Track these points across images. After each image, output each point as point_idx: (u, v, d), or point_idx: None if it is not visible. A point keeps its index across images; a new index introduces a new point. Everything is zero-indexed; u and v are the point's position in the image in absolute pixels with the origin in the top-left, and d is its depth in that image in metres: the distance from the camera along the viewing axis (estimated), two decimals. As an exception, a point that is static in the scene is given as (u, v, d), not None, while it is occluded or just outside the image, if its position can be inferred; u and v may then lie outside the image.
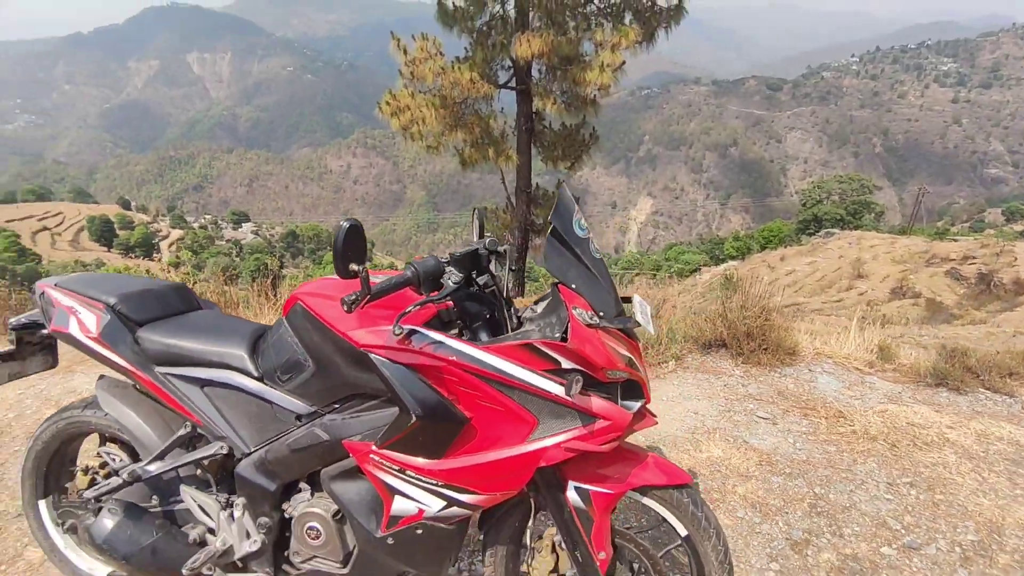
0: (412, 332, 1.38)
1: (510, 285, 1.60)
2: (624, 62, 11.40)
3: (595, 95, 11.89)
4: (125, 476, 1.68)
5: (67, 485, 2.00)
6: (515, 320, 1.53)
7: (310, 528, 1.60)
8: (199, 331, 1.73)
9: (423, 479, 1.43)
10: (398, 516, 1.49)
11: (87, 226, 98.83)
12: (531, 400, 1.37)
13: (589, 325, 1.34)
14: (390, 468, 1.44)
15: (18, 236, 71.24)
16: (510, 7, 11.88)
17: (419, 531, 1.50)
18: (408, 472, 1.43)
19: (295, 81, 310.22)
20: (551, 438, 1.37)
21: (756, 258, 40.80)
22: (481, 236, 1.87)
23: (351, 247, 1.19)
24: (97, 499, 1.81)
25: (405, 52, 11.84)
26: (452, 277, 1.37)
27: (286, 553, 1.68)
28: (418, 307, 1.35)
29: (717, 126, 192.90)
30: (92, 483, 1.90)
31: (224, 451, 1.63)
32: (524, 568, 1.65)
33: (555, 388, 1.35)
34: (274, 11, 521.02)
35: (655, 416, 1.59)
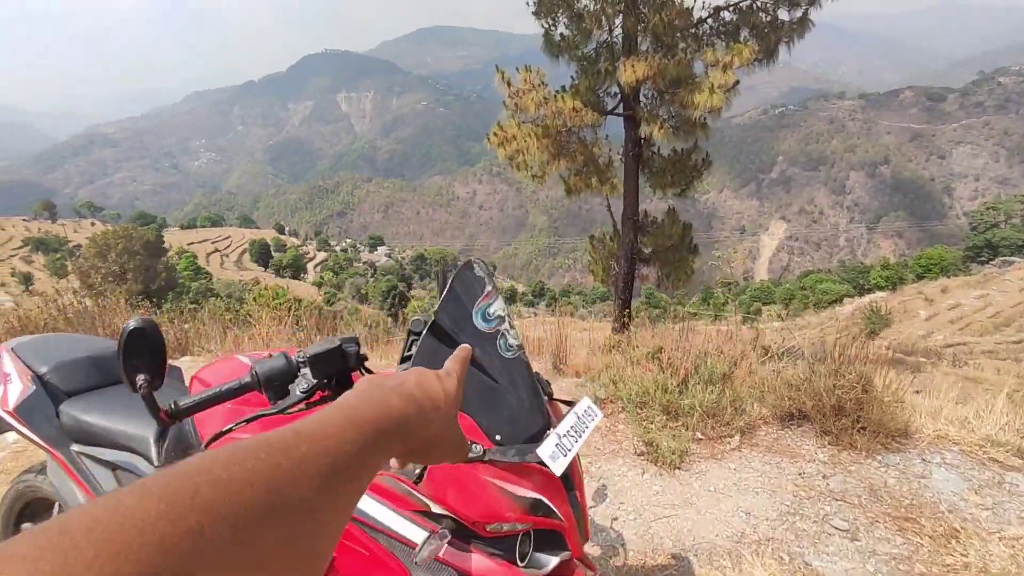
0: None
1: None
2: (737, 82, 10.65)
3: (705, 118, 11.22)
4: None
5: None
6: None
7: None
8: (120, 407, 1.63)
9: None
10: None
11: (249, 248, 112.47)
12: (399, 547, 1.06)
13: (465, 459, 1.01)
14: None
15: (195, 256, 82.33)
16: (617, 33, 11.63)
17: None
18: None
19: (428, 114, 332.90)
20: (419, 597, 1.05)
21: (910, 289, 36.13)
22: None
23: (137, 354, 0.96)
24: None
25: (509, 84, 12.00)
26: (302, 384, 1.10)
27: None
28: (246, 423, 1.10)
29: (864, 143, 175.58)
30: None
31: None
32: None
33: (418, 533, 1.04)
34: (412, 51, 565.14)
35: (592, 568, 1.19)
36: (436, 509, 1.02)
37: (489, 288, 1.18)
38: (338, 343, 1.11)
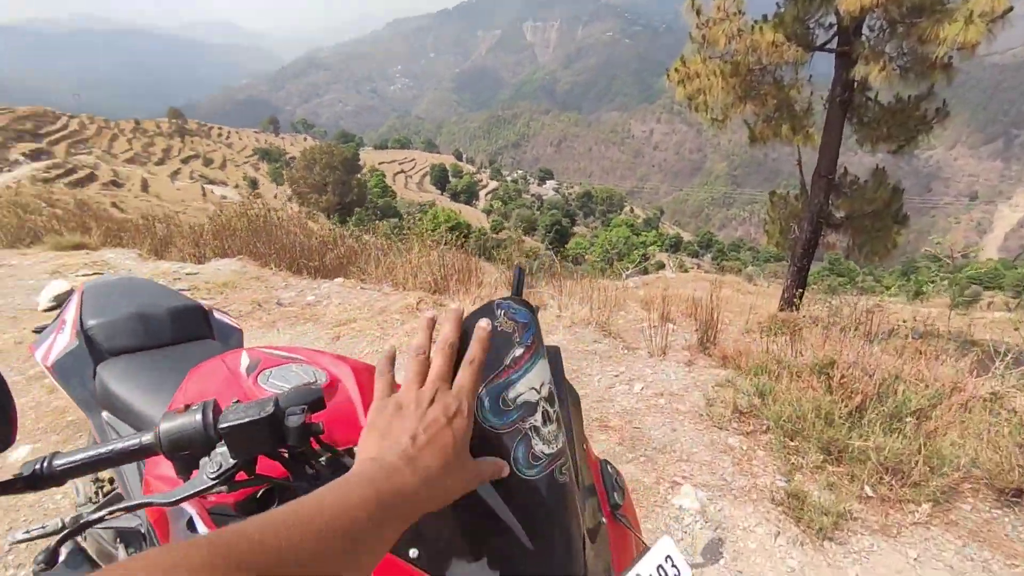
0: (190, 520, 0.83)
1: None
2: (1010, 9, 8.21)
3: (950, 57, 8.87)
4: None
5: None
6: None
7: None
8: (146, 380, 1.47)
9: None
10: None
11: (430, 172, 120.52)
12: None
13: None
14: None
15: (383, 175, 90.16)
16: (843, -52, 9.52)
17: None
18: None
19: (613, 45, 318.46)
20: None
21: None
22: (518, 293, 1.17)
23: None
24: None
25: (698, 12, 10.57)
26: (212, 464, 0.74)
27: None
28: (124, 510, 0.77)
29: None
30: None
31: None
32: None
33: None
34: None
35: None
36: None
37: (519, 351, 0.70)
38: (271, 410, 0.72)
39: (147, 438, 0.74)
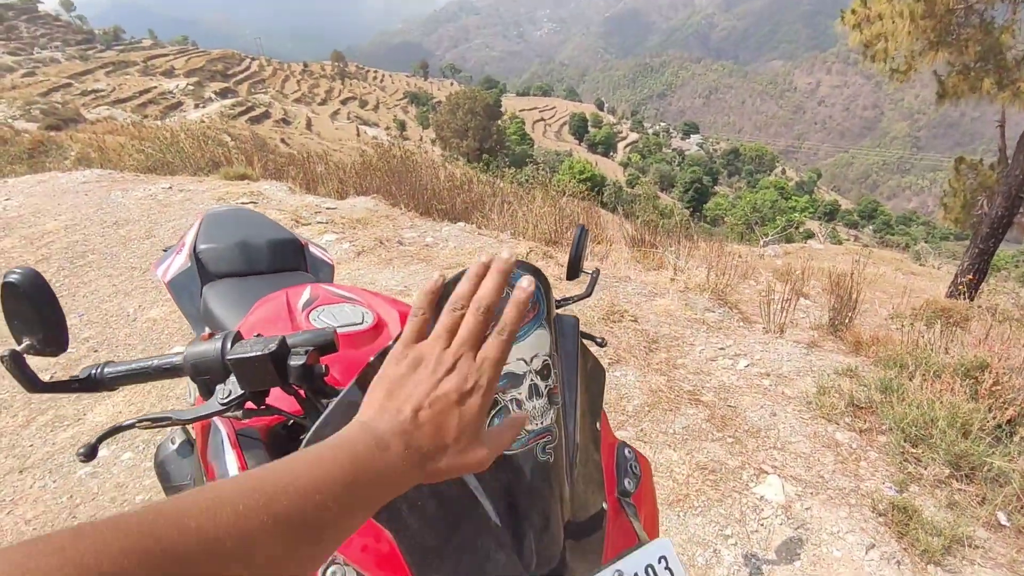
0: (221, 439, 0.90)
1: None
2: None
3: None
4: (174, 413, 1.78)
5: None
6: None
7: None
8: (241, 303, 1.61)
9: None
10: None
11: (569, 121, 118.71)
12: None
13: None
14: None
15: (523, 123, 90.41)
16: None
17: None
18: None
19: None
20: None
21: None
22: (577, 255, 1.14)
23: (19, 313, 0.74)
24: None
25: (891, -61, 9.11)
26: (224, 391, 0.79)
27: None
28: (150, 422, 0.84)
29: None
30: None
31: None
32: None
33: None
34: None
35: None
36: None
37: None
38: (273, 348, 0.75)
39: (176, 360, 0.82)
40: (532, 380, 0.67)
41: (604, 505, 0.75)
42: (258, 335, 0.81)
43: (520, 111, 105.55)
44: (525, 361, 0.67)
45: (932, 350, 2.82)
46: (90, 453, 0.80)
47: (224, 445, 0.89)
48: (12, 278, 0.72)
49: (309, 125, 60.03)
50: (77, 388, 0.81)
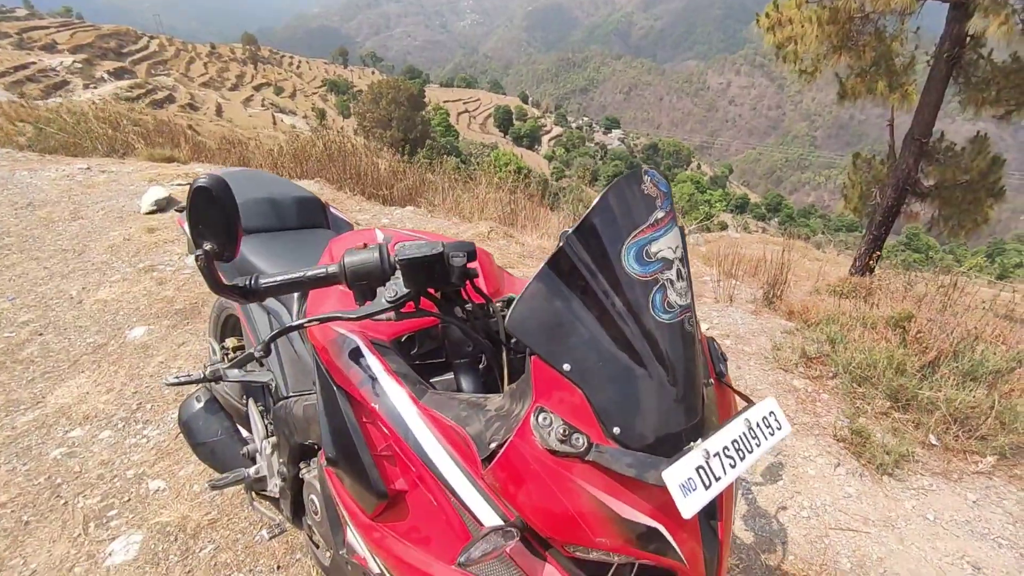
0: (356, 348, 0.98)
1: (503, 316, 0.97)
2: None
3: (1086, 13, 7.99)
4: (207, 372, 1.79)
5: None
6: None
7: (311, 500, 1.45)
8: (283, 255, 1.65)
9: (357, 530, 1.08)
10: (352, 548, 1.20)
11: (493, 113, 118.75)
12: (468, 516, 0.86)
13: (554, 451, 0.71)
14: (335, 492, 1.13)
15: (448, 114, 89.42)
16: None
17: None
18: (347, 511, 1.10)
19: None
20: (481, 582, 0.85)
21: None
22: None
23: (204, 218, 0.80)
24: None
25: (800, -50, 9.84)
26: (390, 291, 0.88)
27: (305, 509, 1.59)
28: (319, 322, 0.92)
29: None
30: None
31: (272, 384, 1.57)
32: None
33: (489, 517, 0.81)
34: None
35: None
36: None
37: (660, 215, 0.80)
38: (440, 249, 0.86)
39: (333, 268, 0.89)
40: (678, 266, 0.82)
41: (711, 381, 0.91)
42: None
43: (444, 102, 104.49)
44: (672, 250, 0.81)
45: (860, 309, 3.22)
46: (267, 349, 0.87)
47: (363, 351, 0.97)
48: (203, 182, 0.77)
49: (219, 111, 56.52)
50: (236, 295, 0.87)
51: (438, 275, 0.87)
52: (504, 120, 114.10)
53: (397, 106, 50.30)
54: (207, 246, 0.80)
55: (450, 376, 1.06)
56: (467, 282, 0.94)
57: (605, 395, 0.74)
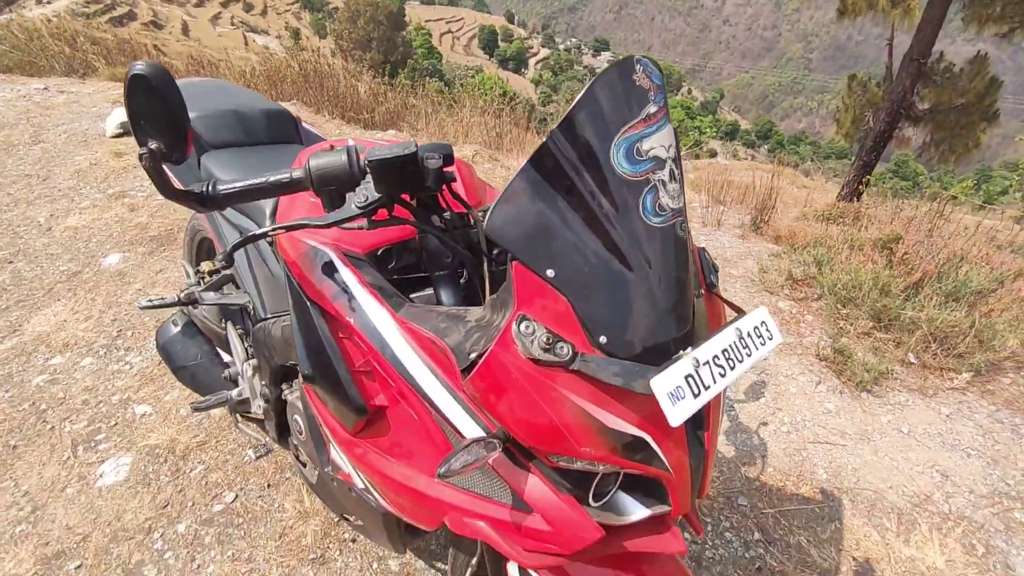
0: (329, 260, 0.93)
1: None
2: None
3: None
4: (182, 295, 1.73)
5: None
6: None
7: (295, 420, 1.44)
8: (252, 171, 1.56)
9: (339, 447, 1.07)
10: (336, 464, 1.19)
11: (478, 34, 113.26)
12: (449, 427, 0.84)
13: (537, 360, 0.68)
14: (316, 410, 1.11)
15: (430, 35, 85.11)
16: None
17: (352, 494, 1.20)
18: (328, 428, 1.09)
19: None
20: (463, 496, 0.84)
21: None
22: None
23: (146, 113, 0.70)
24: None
25: None
26: (360, 196, 0.81)
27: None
28: (285, 230, 0.86)
29: None
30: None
31: (249, 306, 1.52)
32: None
33: (470, 429, 0.79)
34: None
35: (698, 530, 0.88)
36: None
37: (653, 109, 0.74)
38: (413, 149, 0.78)
39: (298, 172, 0.82)
40: (671, 166, 0.76)
41: (701, 291, 0.88)
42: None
43: (426, 22, 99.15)
44: (664, 148, 0.75)
45: (853, 231, 3.21)
46: (229, 259, 0.81)
47: (337, 263, 0.92)
48: (140, 69, 0.68)
49: (186, 31, 53.23)
50: (191, 202, 0.80)
51: (412, 179, 0.80)
52: (489, 41, 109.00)
53: (376, 25, 47.60)
54: (152, 144, 0.71)
55: (430, 291, 1.02)
56: (444, 189, 0.87)
57: (591, 302, 0.70)
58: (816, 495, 1.82)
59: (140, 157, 0.71)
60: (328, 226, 0.80)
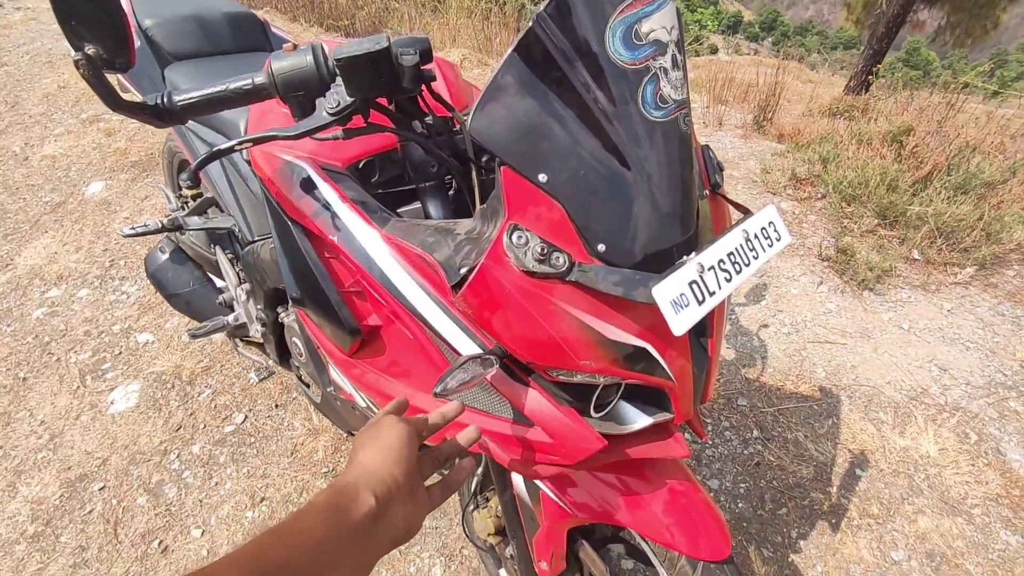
0: (307, 177, 0.87)
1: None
2: None
3: None
4: (166, 221, 1.67)
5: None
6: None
7: (294, 343, 1.43)
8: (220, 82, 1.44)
9: (338, 368, 1.06)
10: (337, 384, 1.19)
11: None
12: (445, 346, 0.81)
13: (531, 272, 0.64)
14: (311, 332, 1.09)
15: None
16: None
17: (356, 412, 1.20)
18: (325, 351, 1.07)
19: None
20: (465, 412, 0.83)
21: None
22: None
23: (75, 11, 0.60)
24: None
25: None
26: (331, 101, 0.74)
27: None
28: (252, 143, 0.78)
29: None
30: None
31: (234, 228, 1.47)
32: (472, 513, 1.27)
33: (466, 346, 0.77)
34: None
35: (701, 435, 0.88)
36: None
37: None
38: (386, 45, 0.69)
39: (260, 78, 0.74)
40: (673, 51, 0.68)
41: (706, 192, 0.82)
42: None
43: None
44: (667, 31, 0.67)
45: (863, 123, 3.07)
46: (195, 178, 0.75)
47: (315, 178, 0.86)
48: None
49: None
50: (147, 116, 0.73)
51: (386, 78, 0.72)
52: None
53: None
54: (89, 50, 0.62)
55: (418, 205, 0.96)
56: (424, 89, 0.79)
57: (588, 208, 0.65)
58: (815, 393, 1.85)
59: (76, 64, 0.62)
60: (298, 136, 0.74)
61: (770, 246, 0.75)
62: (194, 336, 1.60)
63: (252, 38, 1.63)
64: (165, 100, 0.73)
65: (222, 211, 1.60)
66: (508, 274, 0.63)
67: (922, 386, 1.89)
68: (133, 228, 1.70)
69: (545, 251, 0.62)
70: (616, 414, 0.78)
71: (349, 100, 0.72)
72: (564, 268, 0.63)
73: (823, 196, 2.73)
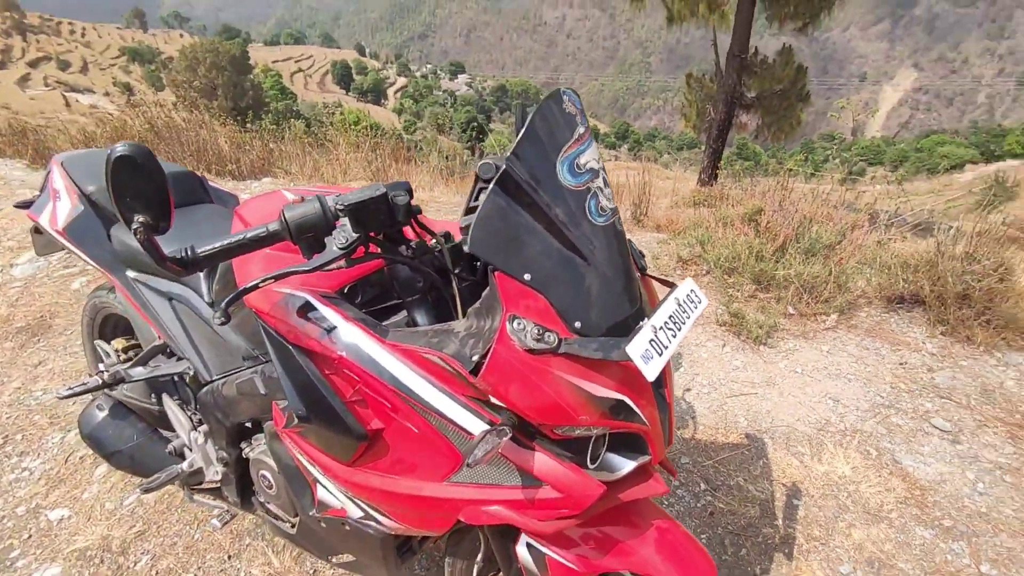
0: (306, 303, 0.98)
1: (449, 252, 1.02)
2: None
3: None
4: (107, 376, 1.64)
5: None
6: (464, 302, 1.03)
7: (262, 476, 1.42)
8: (175, 233, 1.52)
9: (334, 482, 1.11)
10: (325, 504, 1.21)
11: (331, 70, 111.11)
12: (452, 432, 0.92)
13: (532, 350, 0.80)
14: (303, 454, 1.14)
15: (280, 76, 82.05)
16: None
17: (347, 527, 1.22)
18: (319, 467, 1.11)
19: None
20: (475, 489, 0.93)
21: (1053, 161, 31.15)
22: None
23: (131, 189, 0.74)
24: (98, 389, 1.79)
25: None
26: (339, 238, 0.89)
27: (253, 488, 1.55)
28: (274, 279, 0.92)
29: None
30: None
31: (190, 372, 1.48)
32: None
33: (475, 424, 0.89)
34: None
35: (673, 473, 1.03)
36: (496, 400, 0.85)
37: (582, 130, 0.89)
38: (383, 191, 0.87)
39: (274, 226, 0.87)
40: (602, 174, 0.91)
41: (637, 273, 1.04)
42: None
43: (274, 63, 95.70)
44: (595, 160, 0.90)
45: (723, 208, 3.64)
46: (226, 316, 0.84)
47: (315, 305, 0.96)
48: (123, 151, 0.71)
49: (-8, 96, 47.22)
50: (174, 267, 0.83)
51: (384, 216, 0.88)
52: (344, 76, 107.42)
53: (219, 72, 45.04)
54: (141, 219, 0.75)
55: (400, 317, 1.09)
56: (412, 221, 0.96)
57: (563, 296, 0.84)
58: (743, 440, 2.07)
59: (135, 232, 0.74)
60: (315, 270, 0.87)
61: (695, 308, 0.97)
62: (147, 490, 1.52)
63: (192, 192, 1.73)
64: (189, 253, 0.83)
65: (169, 357, 1.60)
66: (515, 354, 0.79)
67: (824, 418, 2.19)
68: (70, 388, 1.64)
69: (539, 332, 0.79)
70: (606, 463, 0.92)
71: (355, 236, 0.87)
72: (555, 344, 0.79)
73: (708, 272, 3.17)
